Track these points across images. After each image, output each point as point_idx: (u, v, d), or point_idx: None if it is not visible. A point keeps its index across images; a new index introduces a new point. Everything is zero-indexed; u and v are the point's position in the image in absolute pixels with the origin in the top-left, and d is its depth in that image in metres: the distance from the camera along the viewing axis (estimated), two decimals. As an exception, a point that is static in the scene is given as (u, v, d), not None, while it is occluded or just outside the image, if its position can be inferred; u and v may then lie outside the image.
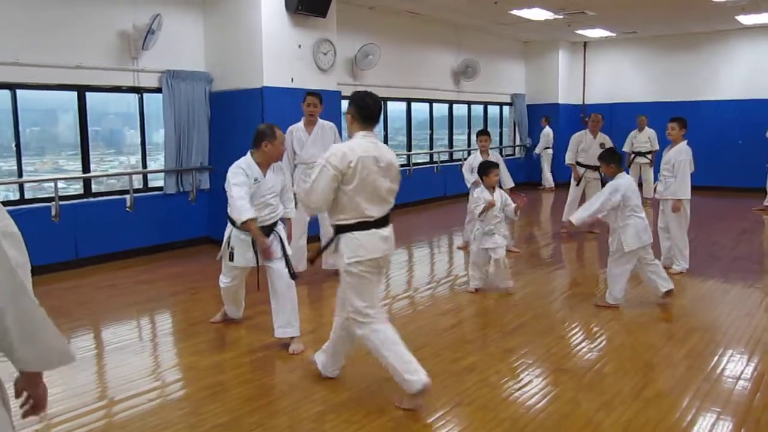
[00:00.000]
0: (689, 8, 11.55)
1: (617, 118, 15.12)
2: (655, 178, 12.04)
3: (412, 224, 10.74)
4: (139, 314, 5.93)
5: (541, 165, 15.33)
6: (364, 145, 3.76)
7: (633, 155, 12.34)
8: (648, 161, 12.23)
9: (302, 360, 4.60)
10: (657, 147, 12.03)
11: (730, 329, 5.19)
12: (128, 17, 7.81)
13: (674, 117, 7.06)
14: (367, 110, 3.83)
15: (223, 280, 5.15)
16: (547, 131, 15.19)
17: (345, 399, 3.93)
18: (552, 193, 14.65)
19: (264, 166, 4.80)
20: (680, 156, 6.88)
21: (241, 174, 4.67)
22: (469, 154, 11.41)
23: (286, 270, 4.78)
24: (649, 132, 12.19)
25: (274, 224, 4.90)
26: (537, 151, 15.41)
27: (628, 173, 11.59)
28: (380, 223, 3.80)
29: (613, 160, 5.89)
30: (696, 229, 10.08)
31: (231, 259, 4.89)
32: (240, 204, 4.58)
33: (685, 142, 7.00)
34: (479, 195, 6.40)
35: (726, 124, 13.88)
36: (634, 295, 6.12)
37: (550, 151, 15.13)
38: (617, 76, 15.90)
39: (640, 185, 12.03)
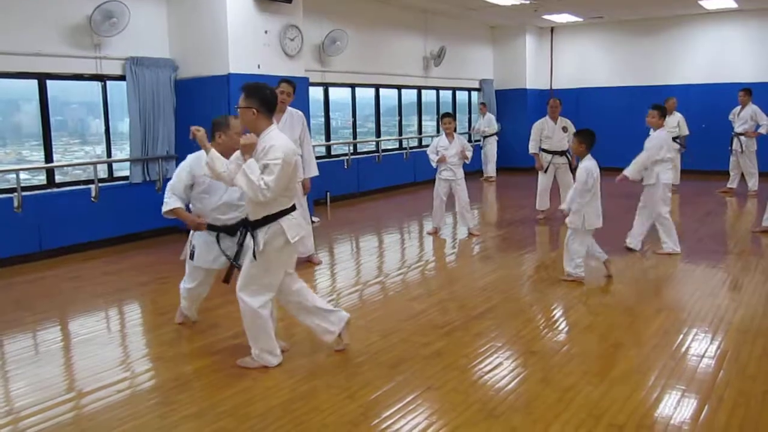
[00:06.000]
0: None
1: (584, 103, 15.26)
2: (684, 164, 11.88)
3: (382, 210, 10.76)
4: (107, 305, 5.85)
5: (486, 154, 14.66)
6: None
7: None
8: (677, 146, 11.38)
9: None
10: (687, 131, 11.50)
11: (695, 309, 5.29)
12: (89, 2, 7.63)
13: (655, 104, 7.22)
14: (271, 102, 3.95)
15: (186, 285, 4.83)
16: (489, 118, 14.66)
17: (314, 386, 3.92)
18: (493, 183, 14.18)
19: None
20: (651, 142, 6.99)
21: (182, 175, 4.69)
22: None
23: None
24: (678, 116, 11.50)
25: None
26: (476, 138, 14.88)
27: None
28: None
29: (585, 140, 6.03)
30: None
31: (191, 257, 4.68)
32: (165, 197, 4.62)
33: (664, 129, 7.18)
34: None
35: (690, 108, 14.04)
36: (602, 277, 6.21)
37: (496, 138, 14.63)
38: (584, 61, 16.02)
39: None
